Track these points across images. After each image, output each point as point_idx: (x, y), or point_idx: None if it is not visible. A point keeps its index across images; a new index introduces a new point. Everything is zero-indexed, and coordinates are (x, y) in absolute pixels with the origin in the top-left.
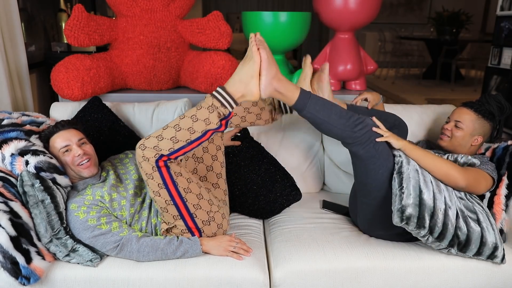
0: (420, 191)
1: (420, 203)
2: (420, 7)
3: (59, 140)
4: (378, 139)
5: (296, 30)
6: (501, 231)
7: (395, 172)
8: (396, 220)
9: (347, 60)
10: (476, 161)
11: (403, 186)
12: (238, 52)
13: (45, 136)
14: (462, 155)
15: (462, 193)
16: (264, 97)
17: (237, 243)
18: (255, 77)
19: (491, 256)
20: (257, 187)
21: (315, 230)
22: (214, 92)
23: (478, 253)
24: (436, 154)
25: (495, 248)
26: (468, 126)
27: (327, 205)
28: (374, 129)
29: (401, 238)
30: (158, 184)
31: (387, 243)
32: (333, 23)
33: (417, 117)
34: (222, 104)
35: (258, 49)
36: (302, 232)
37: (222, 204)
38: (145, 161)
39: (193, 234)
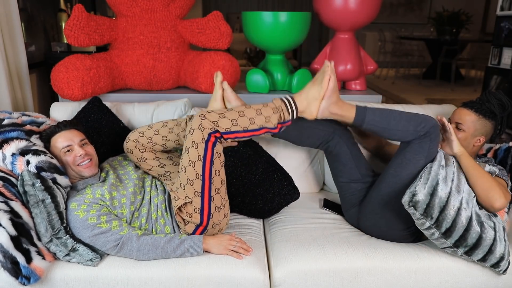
0: (437, 183)
1: (433, 193)
2: (420, 7)
3: (60, 140)
4: (445, 135)
5: (296, 30)
6: None
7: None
8: (405, 199)
9: (347, 60)
10: (496, 169)
11: (422, 175)
12: (238, 52)
13: (47, 136)
14: (482, 163)
15: None
16: (320, 118)
17: (237, 242)
18: (318, 100)
19: (495, 265)
20: (254, 187)
21: (315, 230)
22: (283, 97)
23: (483, 259)
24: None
25: (501, 258)
26: (470, 127)
27: (328, 204)
28: (444, 122)
29: (402, 239)
30: (198, 156)
31: (388, 243)
32: (333, 23)
33: None
34: (287, 110)
35: (329, 78)
36: (302, 232)
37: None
38: (199, 130)
39: (201, 217)
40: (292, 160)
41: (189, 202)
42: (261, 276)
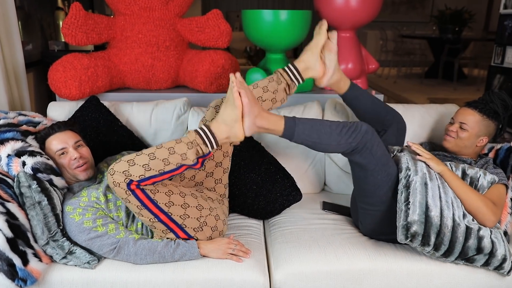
0: (427, 208)
1: (426, 220)
2: (422, 5)
3: (55, 143)
4: (418, 158)
5: (296, 29)
6: (505, 233)
7: (402, 186)
8: (400, 238)
9: (348, 59)
10: (495, 178)
11: (409, 201)
12: (238, 51)
13: (41, 138)
14: (480, 172)
15: None
16: (248, 135)
17: (235, 245)
18: (238, 121)
19: (498, 268)
20: (257, 187)
21: (316, 231)
22: (198, 129)
23: (486, 264)
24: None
25: (504, 260)
26: (473, 127)
27: (328, 206)
28: (413, 147)
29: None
30: (137, 206)
31: (389, 245)
32: (334, 22)
33: (419, 117)
34: (204, 143)
35: (239, 93)
36: (303, 233)
37: (216, 204)
38: (116, 187)
39: (187, 239)
40: (293, 160)
41: (166, 237)
42: (261, 279)
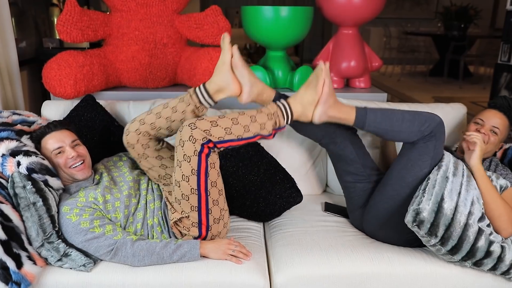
0: (442, 199)
1: (438, 210)
2: (427, 1)
3: (51, 142)
4: (468, 138)
5: (297, 26)
6: None
7: (426, 179)
8: (408, 219)
9: (351, 57)
10: (508, 183)
11: (426, 190)
12: None
13: (37, 137)
14: (493, 177)
15: None
16: (318, 123)
17: (236, 246)
18: (313, 104)
19: (506, 273)
20: (256, 189)
21: (317, 234)
22: (278, 103)
23: (494, 268)
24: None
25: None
26: (503, 132)
27: (330, 208)
28: (468, 133)
29: (408, 243)
30: (192, 170)
31: (393, 248)
32: (336, 18)
33: None
34: (283, 115)
35: (323, 82)
36: (304, 235)
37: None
38: (189, 142)
39: (200, 230)
40: (294, 161)
41: (186, 217)
42: (261, 282)
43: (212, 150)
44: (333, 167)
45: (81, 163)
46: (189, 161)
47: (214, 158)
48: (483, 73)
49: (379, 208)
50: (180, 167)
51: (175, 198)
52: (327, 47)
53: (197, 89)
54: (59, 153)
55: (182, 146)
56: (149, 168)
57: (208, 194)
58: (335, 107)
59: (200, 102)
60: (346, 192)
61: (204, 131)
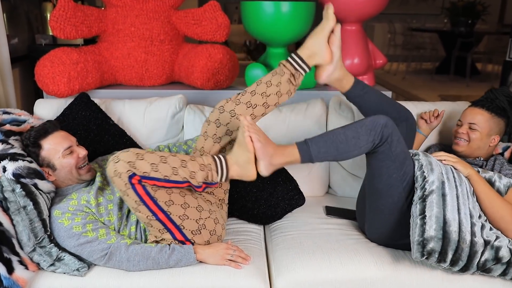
0: (445, 222)
1: (444, 236)
2: None
3: (59, 141)
4: (445, 163)
5: (299, 21)
6: None
7: (417, 197)
8: (416, 255)
9: (354, 54)
10: (511, 180)
11: (425, 215)
12: (236, 45)
13: (36, 137)
14: (495, 176)
15: None
16: (268, 174)
17: (234, 250)
18: (251, 163)
19: None
20: (257, 190)
21: (319, 237)
22: (216, 158)
23: (504, 274)
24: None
25: None
26: (484, 127)
27: (332, 211)
28: (436, 156)
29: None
30: (135, 201)
31: (398, 251)
32: (339, 14)
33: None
34: (217, 171)
35: (250, 137)
36: (305, 238)
37: (215, 207)
38: (116, 177)
39: (183, 243)
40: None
41: (161, 239)
42: (261, 287)
43: (143, 181)
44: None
45: (87, 163)
46: (128, 195)
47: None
48: (491, 71)
49: (373, 219)
50: (124, 201)
51: (144, 224)
52: None
53: (289, 57)
54: (70, 153)
55: (114, 183)
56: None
57: (169, 214)
58: (276, 154)
59: (295, 69)
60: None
61: (128, 162)
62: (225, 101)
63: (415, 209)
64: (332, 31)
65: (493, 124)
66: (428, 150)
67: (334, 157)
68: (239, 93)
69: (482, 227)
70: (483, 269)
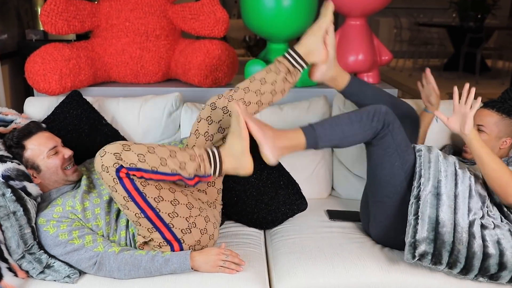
0: (437, 223)
1: (436, 237)
2: None
3: (44, 141)
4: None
5: (301, 16)
6: None
7: (413, 196)
8: (407, 257)
9: (359, 50)
10: None
11: (418, 216)
12: (235, 41)
13: (19, 138)
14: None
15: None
16: (275, 162)
17: (227, 256)
18: (246, 153)
19: None
20: (258, 194)
21: (322, 241)
22: (208, 149)
23: None
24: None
25: None
26: (493, 129)
27: (335, 215)
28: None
29: None
30: (124, 197)
31: (403, 255)
32: (343, 8)
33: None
34: (210, 163)
35: (245, 122)
36: (307, 242)
37: (206, 206)
38: (104, 172)
39: (172, 246)
40: (297, 162)
41: (150, 240)
42: None
43: (131, 174)
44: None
45: (73, 164)
46: (116, 191)
47: (142, 179)
48: (502, 67)
49: (377, 216)
50: (114, 197)
51: (132, 222)
52: None
53: (286, 53)
54: (55, 153)
55: (102, 178)
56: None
57: (158, 211)
58: (278, 136)
59: (293, 65)
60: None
61: (114, 154)
62: (216, 97)
63: (411, 208)
64: (326, 32)
65: (503, 126)
66: (442, 150)
67: (340, 140)
68: (231, 89)
69: (483, 226)
70: (489, 275)
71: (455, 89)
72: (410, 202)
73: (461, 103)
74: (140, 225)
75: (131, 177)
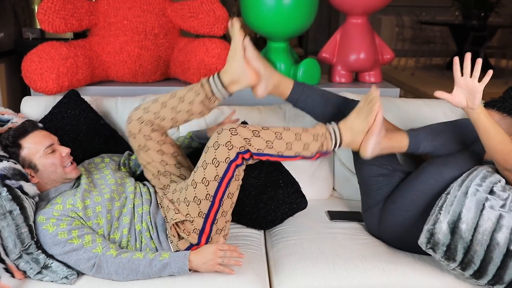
0: (459, 218)
1: (454, 231)
2: None
3: (40, 140)
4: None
5: (302, 14)
6: None
7: (444, 193)
8: (421, 240)
9: (360, 48)
10: None
11: (442, 208)
12: None
13: (15, 137)
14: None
15: None
16: (370, 157)
17: (225, 252)
18: (364, 132)
19: None
20: (257, 193)
21: (323, 242)
22: (329, 125)
23: None
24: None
25: None
26: None
27: (335, 216)
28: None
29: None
30: (216, 176)
31: (407, 257)
32: (344, 6)
33: (441, 114)
34: (331, 139)
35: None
36: (308, 244)
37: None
38: (225, 147)
39: (199, 238)
40: (298, 162)
41: (190, 221)
42: None
43: (245, 161)
44: (353, 159)
45: (72, 162)
46: (217, 166)
47: (241, 170)
48: (505, 66)
49: (407, 199)
50: (204, 168)
51: (185, 198)
52: (334, 38)
53: (210, 78)
54: (52, 152)
55: (216, 149)
56: (147, 163)
57: (221, 204)
58: (387, 136)
59: (212, 92)
60: (365, 186)
61: (244, 139)
62: (134, 109)
63: (439, 201)
64: (243, 49)
65: (504, 125)
66: None
67: (440, 148)
68: (149, 101)
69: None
70: (504, 286)
71: (456, 59)
72: (440, 196)
73: (466, 76)
74: (199, 204)
75: (244, 163)
